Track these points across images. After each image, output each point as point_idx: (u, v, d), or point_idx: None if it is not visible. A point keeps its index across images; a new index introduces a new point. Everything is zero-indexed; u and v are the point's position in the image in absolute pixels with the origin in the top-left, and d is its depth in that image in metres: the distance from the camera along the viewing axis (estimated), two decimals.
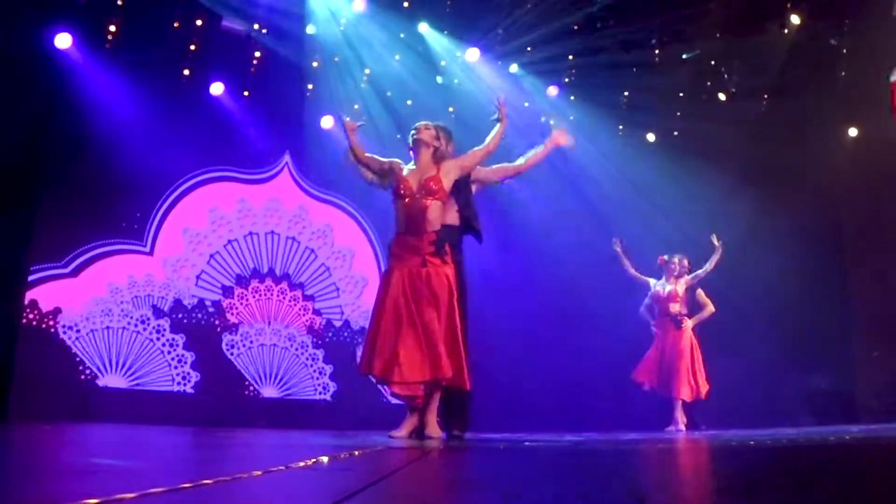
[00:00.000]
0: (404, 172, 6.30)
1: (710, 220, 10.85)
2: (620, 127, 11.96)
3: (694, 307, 9.77)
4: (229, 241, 9.95)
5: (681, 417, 9.30)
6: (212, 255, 9.80)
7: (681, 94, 11.90)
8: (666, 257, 9.80)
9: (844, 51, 11.28)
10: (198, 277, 9.66)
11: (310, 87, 10.36)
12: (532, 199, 11.68)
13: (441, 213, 6.25)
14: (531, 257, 11.27)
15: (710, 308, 9.69)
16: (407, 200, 6.18)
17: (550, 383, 10.86)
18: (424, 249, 6.09)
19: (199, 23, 9.46)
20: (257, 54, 9.88)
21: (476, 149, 6.47)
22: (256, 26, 9.75)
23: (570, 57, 11.31)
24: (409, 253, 6.13)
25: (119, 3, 8.86)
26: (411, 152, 6.45)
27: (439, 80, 11.05)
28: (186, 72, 9.53)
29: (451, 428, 6.40)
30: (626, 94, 11.81)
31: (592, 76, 11.49)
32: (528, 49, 11.14)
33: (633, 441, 5.93)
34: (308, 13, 9.98)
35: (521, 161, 6.96)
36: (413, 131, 6.46)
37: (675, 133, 12.00)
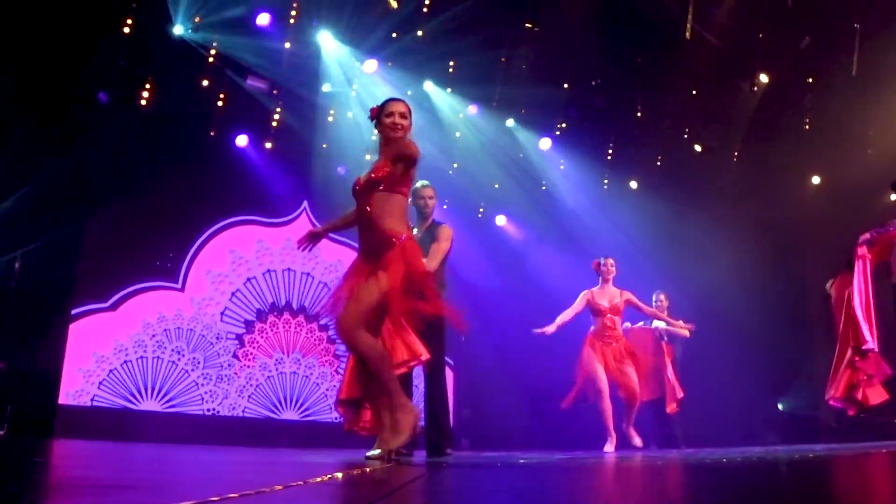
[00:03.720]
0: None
1: (685, 259, 10.91)
2: (606, 181, 12.10)
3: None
4: (248, 280, 9.98)
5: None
6: (233, 293, 9.83)
7: (661, 146, 12.07)
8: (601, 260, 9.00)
9: (809, 106, 11.43)
10: (222, 314, 9.69)
11: (329, 118, 10.47)
12: (517, 229, 11.80)
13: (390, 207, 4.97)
14: (515, 284, 11.20)
15: (685, 332, 9.48)
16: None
17: (533, 404, 10.81)
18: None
19: (225, 84, 9.59)
20: (278, 110, 10.02)
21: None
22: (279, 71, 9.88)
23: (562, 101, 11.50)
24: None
25: (152, 71, 9.00)
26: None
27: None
28: (217, 106, 9.64)
29: (443, 447, 6.34)
30: (611, 145, 11.97)
31: (581, 129, 11.66)
32: (523, 106, 11.37)
33: (620, 458, 5.95)
34: (323, 73, 10.13)
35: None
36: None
37: (656, 175, 12.08)
